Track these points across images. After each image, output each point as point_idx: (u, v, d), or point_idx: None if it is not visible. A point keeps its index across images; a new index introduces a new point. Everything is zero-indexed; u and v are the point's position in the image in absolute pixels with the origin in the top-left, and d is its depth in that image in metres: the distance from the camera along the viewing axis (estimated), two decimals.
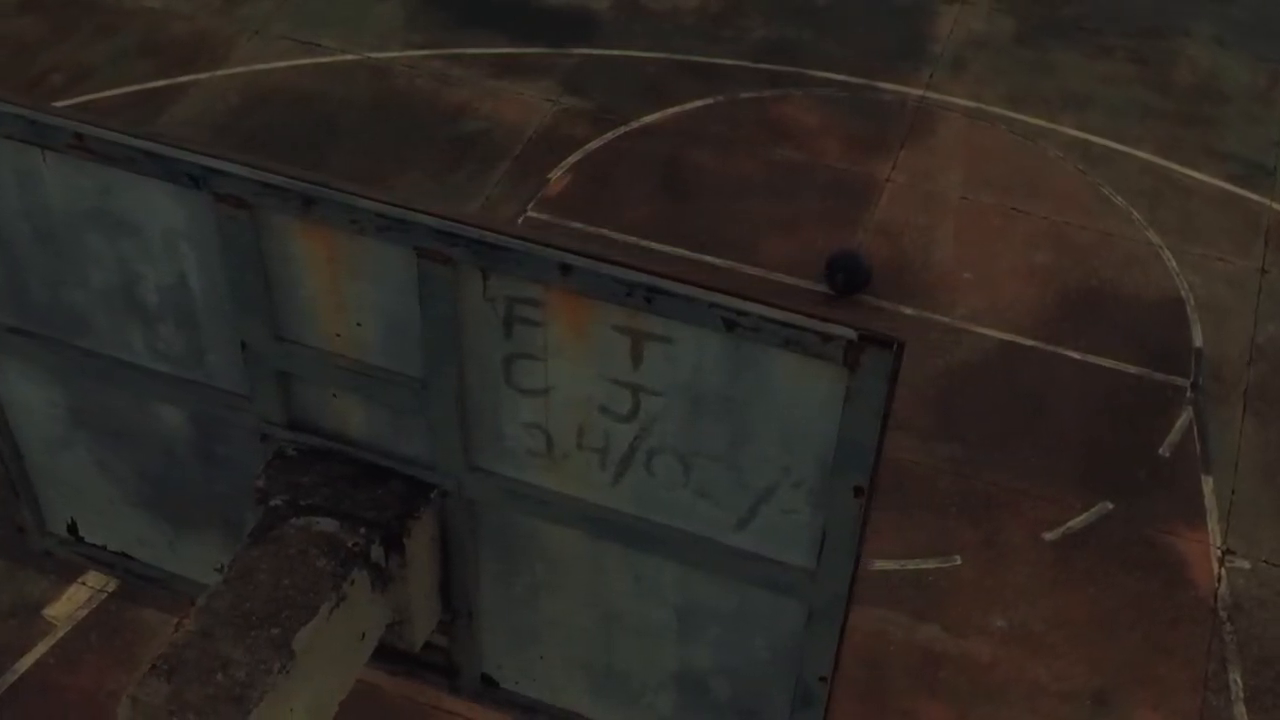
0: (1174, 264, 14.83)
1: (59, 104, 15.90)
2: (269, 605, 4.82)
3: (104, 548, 6.20)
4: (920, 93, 16.60)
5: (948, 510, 12.80)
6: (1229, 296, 14.59)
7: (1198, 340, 14.16)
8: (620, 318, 4.42)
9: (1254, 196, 15.54)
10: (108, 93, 16.25)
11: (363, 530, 5.01)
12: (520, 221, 14.99)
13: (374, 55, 16.84)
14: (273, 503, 5.10)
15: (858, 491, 4.48)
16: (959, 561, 12.45)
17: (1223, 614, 12.15)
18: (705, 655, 5.23)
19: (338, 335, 4.94)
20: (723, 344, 4.34)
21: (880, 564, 12.40)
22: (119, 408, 5.57)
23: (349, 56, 16.81)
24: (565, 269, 4.33)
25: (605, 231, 14.91)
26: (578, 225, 14.98)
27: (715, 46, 17.12)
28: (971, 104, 16.49)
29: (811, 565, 4.73)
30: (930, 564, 12.43)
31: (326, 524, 5.02)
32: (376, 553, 5.03)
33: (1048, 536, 12.64)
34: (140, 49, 16.78)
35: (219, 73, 16.53)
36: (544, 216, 15.07)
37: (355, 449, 5.22)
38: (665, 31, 17.31)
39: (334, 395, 5.12)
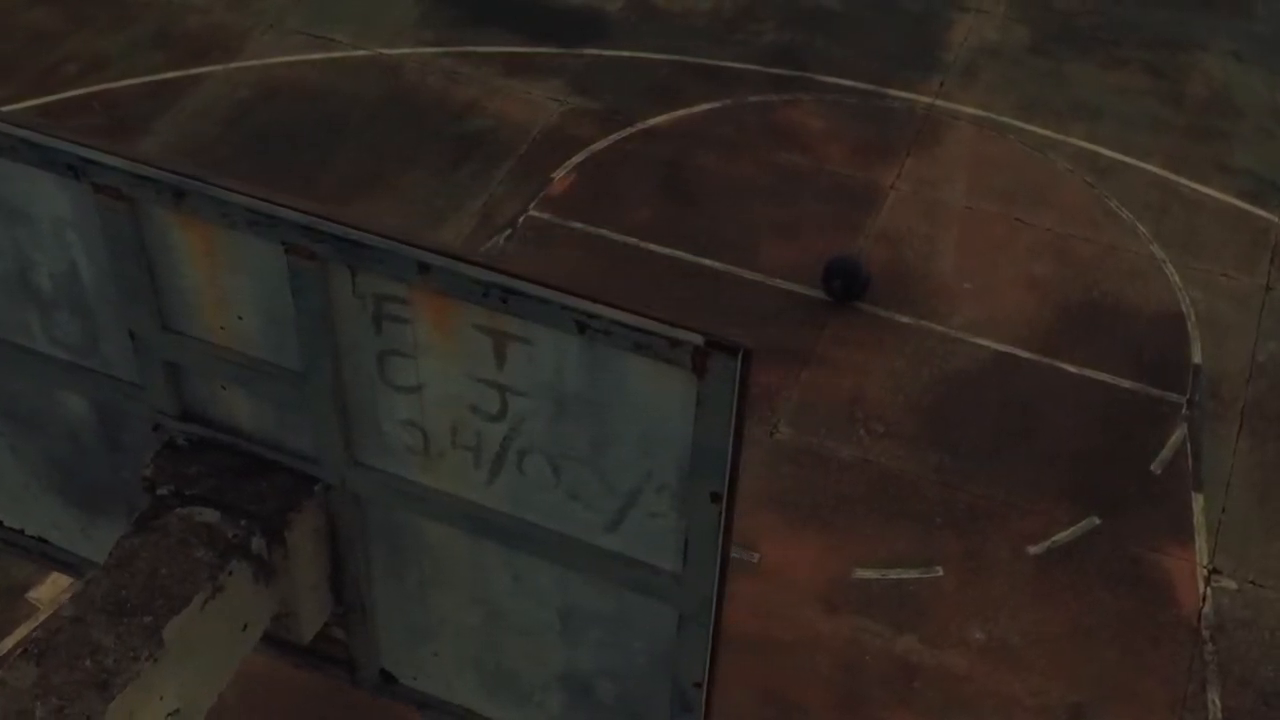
0: (1177, 279, 14.70)
1: (71, 94, 16.11)
2: (144, 594, 4.86)
3: (21, 531, 6.26)
4: (930, 100, 16.52)
5: (932, 520, 12.73)
6: (1231, 313, 14.45)
7: (1197, 356, 14.02)
8: (481, 318, 4.43)
9: (1263, 213, 15.38)
10: (121, 83, 16.40)
11: (243, 522, 5.04)
12: (521, 221, 15.04)
13: (386, 52, 16.92)
14: (159, 492, 5.14)
15: (715, 497, 4.46)
16: (940, 572, 12.39)
17: (1205, 634, 12.04)
18: (588, 657, 5.24)
19: (221, 328, 4.98)
20: (580, 346, 4.35)
21: (861, 572, 12.35)
22: (24, 394, 5.64)
23: (361, 52, 16.89)
24: (424, 268, 4.35)
25: (605, 232, 14.93)
26: (578, 225, 15.01)
27: (726, 50, 17.10)
28: (981, 113, 16.39)
29: (679, 569, 4.73)
30: (911, 574, 12.37)
31: (208, 515, 5.05)
32: (258, 545, 5.06)
33: (1032, 550, 12.56)
34: (155, 40, 16.93)
35: (232, 65, 16.65)
36: (545, 216, 15.10)
37: (244, 441, 5.26)
38: (677, 34, 17.31)
39: (222, 387, 5.16)
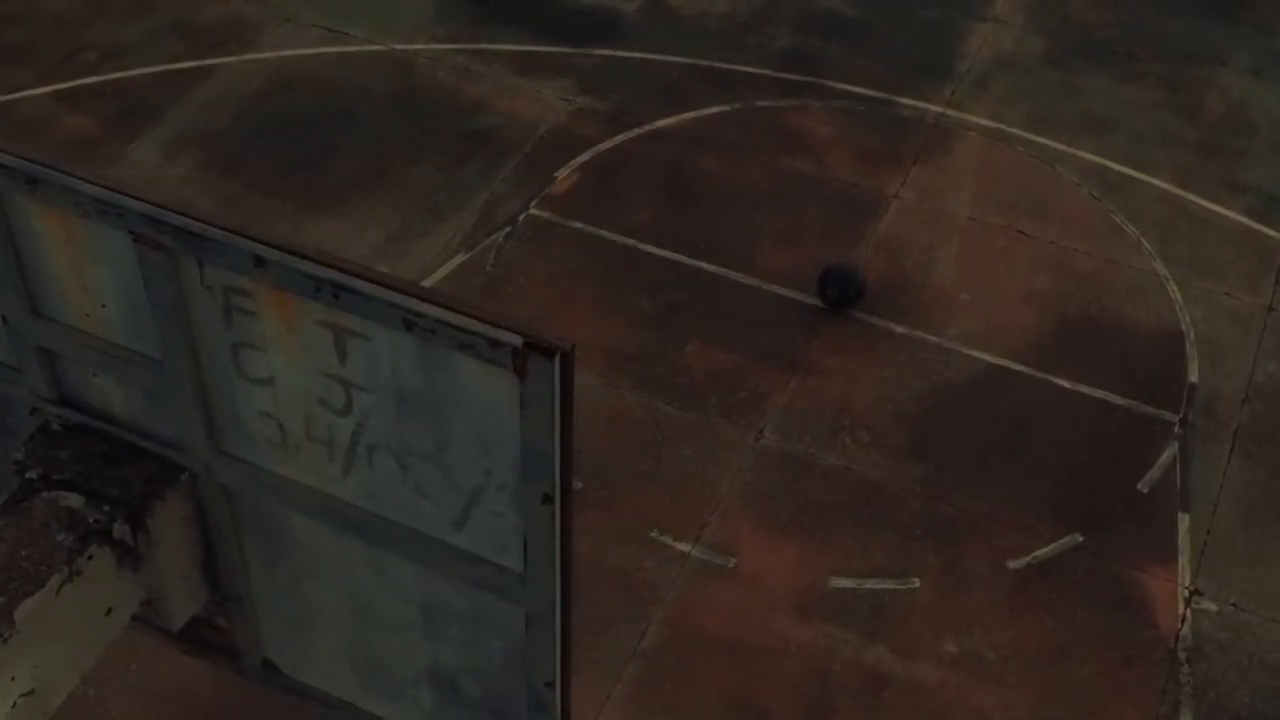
0: (1178, 296, 14.55)
1: (87, 80, 16.30)
2: (2, 575, 4.92)
3: None
4: (940, 110, 16.42)
5: (912, 531, 12.67)
6: (1232, 332, 14.28)
7: (1193, 375, 13.88)
8: (321, 313, 4.46)
9: (1271, 232, 15.20)
10: (137, 71, 16.58)
11: (106, 508, 5.10)
12: (521, 219, 15.08)
13: (399, 47, 17.01)
14: (28, 475, 5.21)
15: (546, 499, 4.47)
16: (917, 584, 12.33)
17: (1182, 655, 11.92)
18: (452, 654, 5.26)
19: (88, 315, 5.04)
20: (413, 344, 4.37)
21: (837, 581, 12.32)
22: None
23: (375, 47, 16.99)
24: (259, 261, 4.38)
25: (604, 233, 14.95)
26: (578, 225, 15.04)
27: (739, 54, 17.07)
28: (991, 124, 16.28)
29: (522, 570, 4.74)
30: (887, 584, 12.32)
31: (72, 499, 5.12)
32: (121, 530, 5.12)
33: (1012, 565, 12.47)
34: (173, 30, 17.10)
35: (246, 57, 16.79)
36: (546, 214, 15.14)
37: (115, 428, 5.32)
38: (690, 36, 17.29)
39: (94, 374, 5.22)
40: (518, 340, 4.19)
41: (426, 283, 14.40)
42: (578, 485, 12.66)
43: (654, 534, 12.55)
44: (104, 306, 4.96)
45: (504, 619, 4.97)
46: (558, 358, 4.16)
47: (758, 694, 11.59)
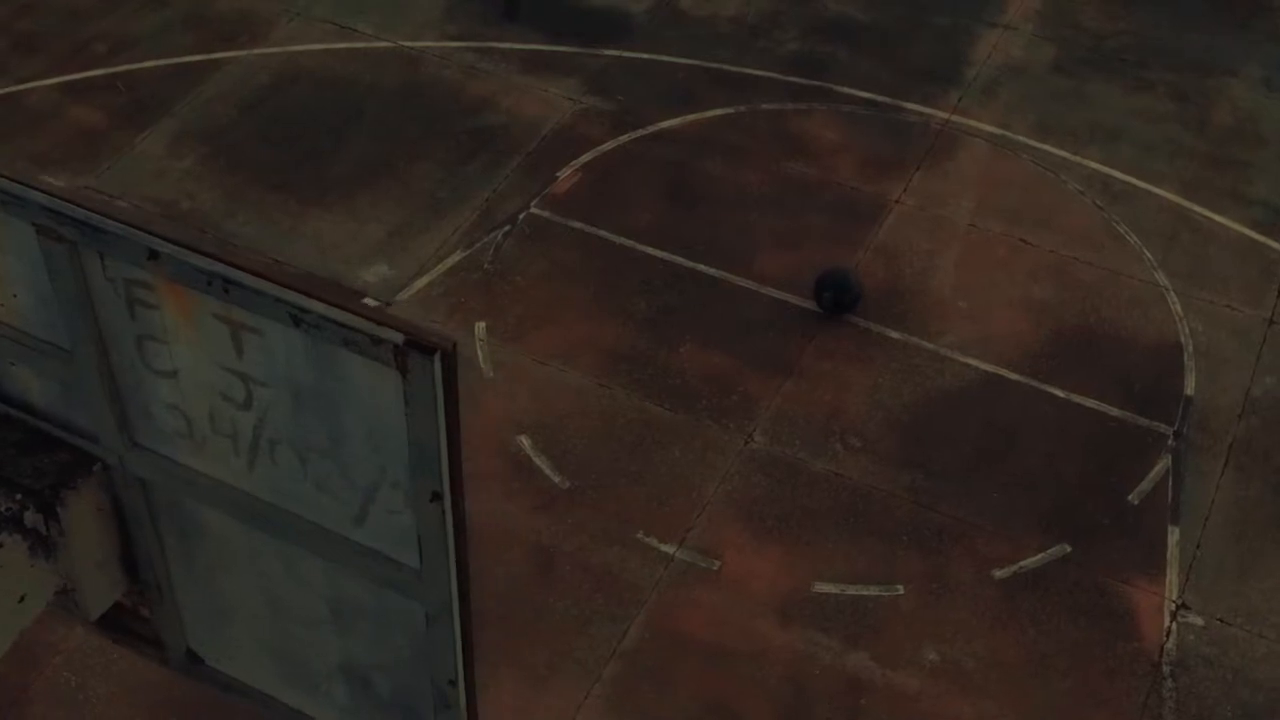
0: (1178, 308, 14.45)
1: (97, 72, 16.42)
2: None
3: None
4: (946, 116, 16.36)
5: (899, 538, 12.63)
6: (1230, 345, 14.17)
7: (1189, 388, 13.78)
8: (217, 307, 4.49)
9: (1275, 245, 15.08)
10: (147, 63, 16.69)
11: (18, 496, 5.14)
12: (521, 217, 15.11)
13: (408, 44, 17.06)
14: None
15: (435, 497, 4.48)
16: (901, 591, 12.29)
17: (1166, 669, 11.84)
18: (362, 650, 5.28)
19: (1, 305, 5.08)
20: (303, 340, 4.39)
21: (820, 586, 12.29)
22: None
23: (383, 43, 17.05)
24: (153, 255, 4.41)
25: (603, 233, 14.96)
26: (577, 225, 15.05)
27: (747, 57, 17.05)
28: (997, 131, 16.21)
29: (419, 566, 4.75)
30: (871, 590, 12.28)
31: None
32: (33, 519, 5.16)
33: (998, 574, 12.42)
34: (184, 23, 17.21)
35: (256, 51, 16.88)
36: (546, 214, 15.15)
37: (33, 417, 5.35)
38: (699, 38, 17.28)
39: (11, 364, 5.26)
40: (399, 338, 4.20)
41: (424, 280, 14.48)
42: (565, 485, 12.78)
43: (640, 535, 12.55)
44: (15, 296, 5.00)
45: (407, 616, 4.98)
46: (437, 356, 4.16)
47: (735, 698, 11.58)
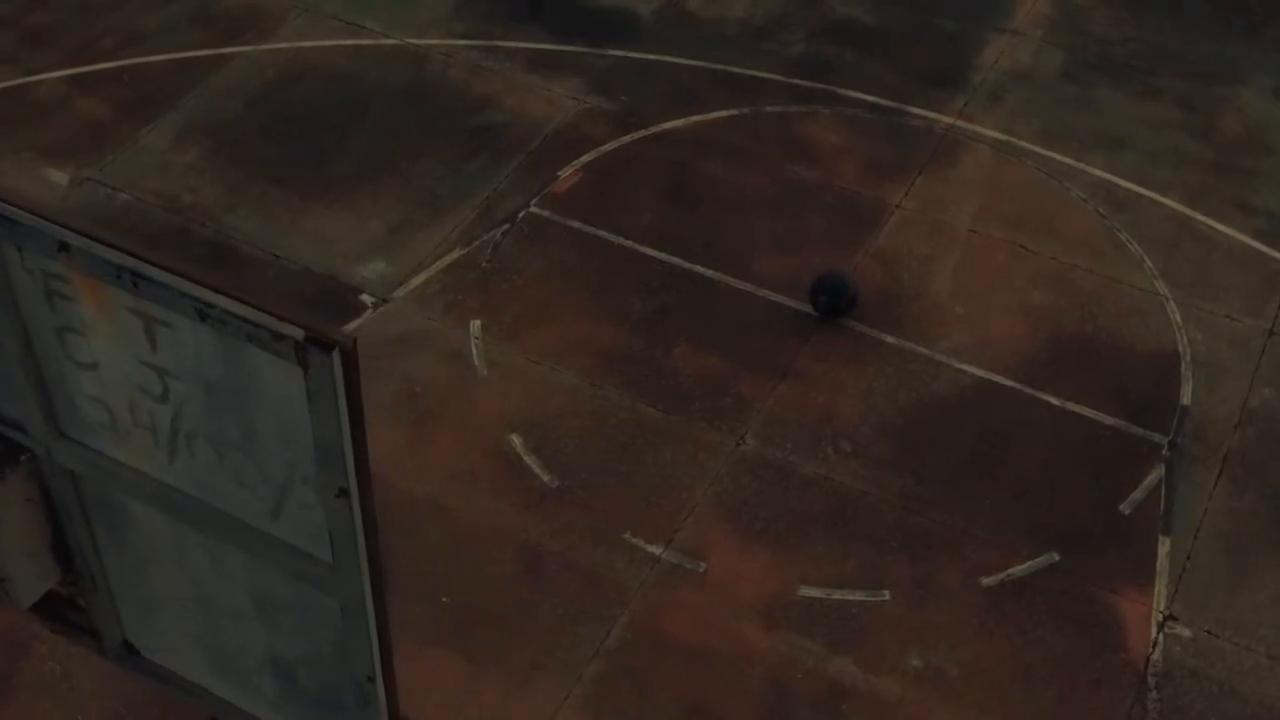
0: (1178, 317, 14.36)
1: (104, 66, 16.50)
2: None
3: None
4: (951, 121, 16.30)
5: (887, 544, 12.59)
6: (1229, 356, 14.08)
7: (1185, 398, 13.69)
8: (128, 300, 4.50)
9: (1278, 255, 14.96)
10: (155, 58, 16.77)
11: None
12: (521, 216, 15.13)
13: (415, 42, 17.10)
14: None
15: (342, 493, 4.49)
16: (887, 596, 12.25)
17: (1151, 680, 11.77)
18: (286, 644, 5.29)
19: None
20: (211, 334, 4.40)
21: (806, 590, 12.26)
22: None
23: (390, 41, 17.09)
24: (64, 247, 4.43)
25: (602, 233, 14.96)
26: (577, 224, 15.06)
27: (753, 59, 17.02)
28: (1001, 137, 16.14)
29: (332, 561, 4.76)
30: (857, 595, 12.24)
31: None
32: None
33: (985, 581, 12.37)
34: (193, 18, 17.28)
35: (263, 46, 16.94)
36: (545, 213, 15.16)
37: None
38: (705, 40, 17.26)
39: None
40: (299, 333, 4.20)
41: (421, 277, 14.51)
42: (555, 484, 12.78)
43: (627, 535, 12.54)
44: None
45: (326, 611, 4.99)
46: (336, 352, 4.16)
47: (716, 700, 11.56)
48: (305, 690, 5.40)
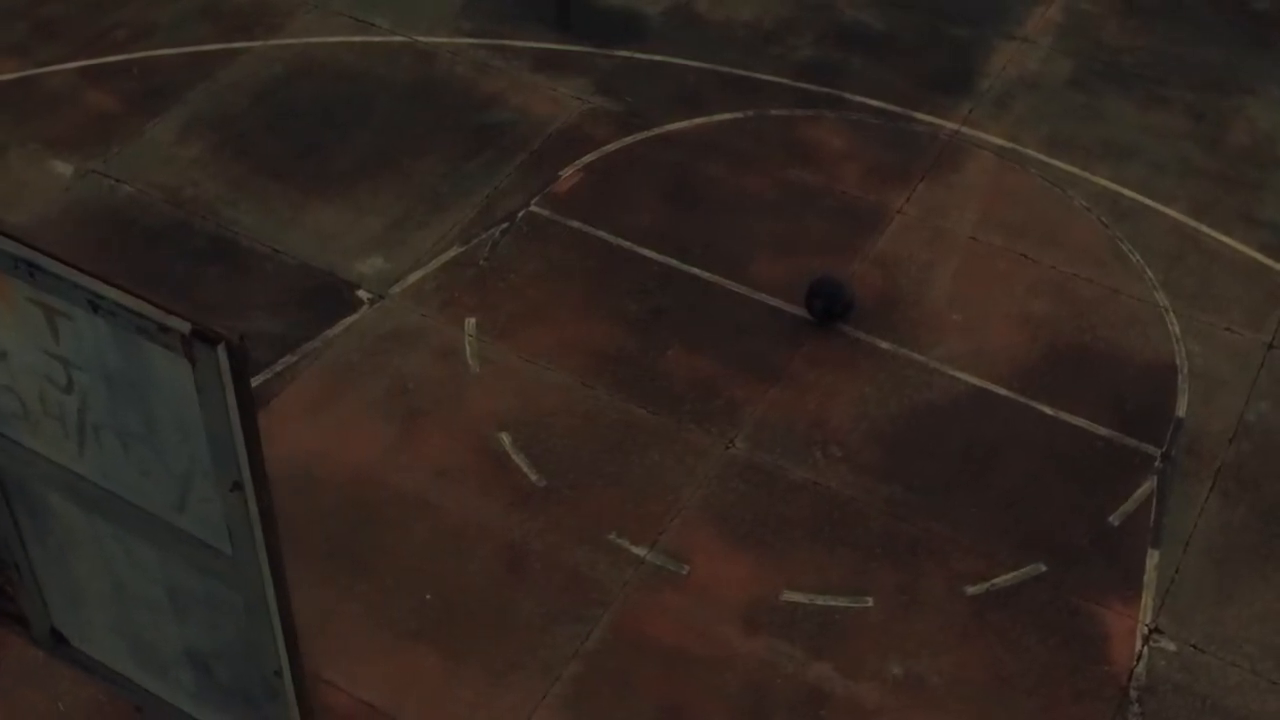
0: (1177, 328, 14.25)
1: (114, 58, 16.61)
2: None
3: None
4: (956, 127, 16.22)
5: (872, 550, 12.53)
6: (1227, 368, 13.96)
7: (1181, 410, 13.58)
8: (28, 290, 4.52)
9: None
10: (164, 51, 16.87)
11: None
12: (520, 215, 15.14)
13: (422, 39, 17.14)
14: None
15: (235, 486, 4.49)
16: (870, 603, 12.19)
17: (1133, 694, 11.67)
18: (199, 637, 5.30)
19: None
20: (107, 326, 4.41)
21: (789, 595, 12.21)
22: None
23: (398, 38, 17.14)
24: None
25: (601, 233, 14.96)
26: (576, 224, 15.06)
27: (759, 62, 16.99)
28: (1006, 144, 16.05)
29: (232, 555, 4.77)
30: (840, 601, 12.19)
31: None
32: None
33: (969, 590, 12.29)
34: (203, 12, 17.37)
35: (272, 42, 17.02)
36: (545, 212, 15.17)
37: None
38: (713, 42, 17.24)
39: None
40: (185, 327, 4.21)
41: (418, 274, 14.54)
42: (541, 483, 12.77)
43: (611, 536, 12.52)
44: None
45: (231, 604, 5.00)
46: (222, 346, 4.17)
47: (694, 703, 11.53)
48: (221, 683, 5.42)
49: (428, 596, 12.09)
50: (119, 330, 4.37)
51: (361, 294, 14.32)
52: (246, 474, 4.47)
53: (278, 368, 13.63)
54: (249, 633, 4.96)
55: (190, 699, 5.59)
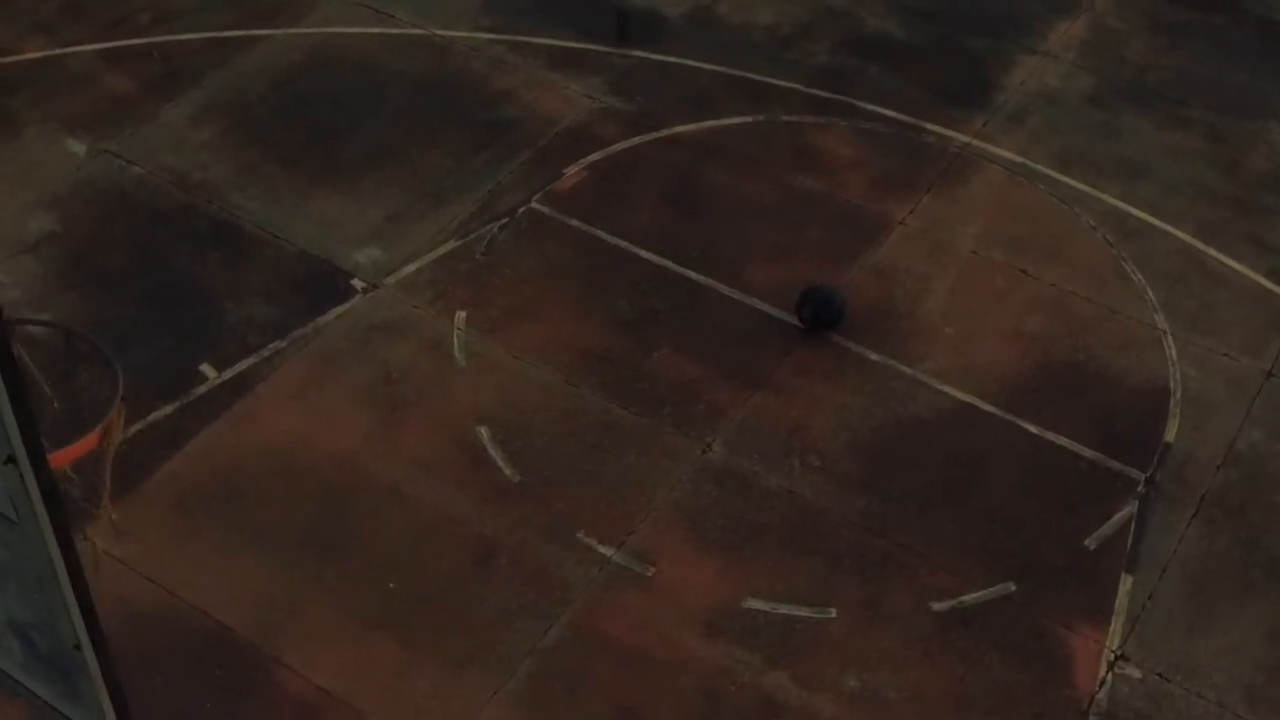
0: (1173, 352, 14.02)
1: (136, 41, 16.82)
2: None
3: None
4: (967, 140, 16.05)
5: (840, 562, 12.44)
6: (1222, 395, 13.71)
7: (1170, 435, 13.36)
8: None
9: None
10: (185, 36, 17.07)
11: None
12: (520, 212, 15.16)
13: (440, 33, 17.21)
14: None
15: (9, 460, 4.52)
16: (833, 614, 12.10)
17: (1092, 719, 11.50)
18: (16, 608, 5.33)
19: None
20: None
21: (751, 602, 12.15)
22: None
23: (417, 31, 17.22)
24: None
25: (600, 233, 14.95)
26: (575, 223, 15.06)
27: (774, 67, 16.90)
28: (1017, 159, 15.86)
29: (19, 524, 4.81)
30: (803, 611, 12.11)
31: None
32: None
33: (935, 606, 12.17)
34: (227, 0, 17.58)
35: (292, 31, 17.16)
36: (545, 210, 15.19)
37: None
38: (730, 46, 17.18)
39: None
40: None
41: (414, 265, 14.60)
42: (516, 479, 12.78)
43: (580, 535, 12.52)
44: None
45: (28, 576, 5.03)
46: None
47: (646, 706, 11.50)
48: (41, 654, 5.45)
49: (390, 586, 12.13)
50: None
51: (355, 283, 14.40)
52: (19, 447, 4.50)
53: (265, 353, 13.73)
54: (47, 605, 5.00)
55: (20, 669, 5.64)
